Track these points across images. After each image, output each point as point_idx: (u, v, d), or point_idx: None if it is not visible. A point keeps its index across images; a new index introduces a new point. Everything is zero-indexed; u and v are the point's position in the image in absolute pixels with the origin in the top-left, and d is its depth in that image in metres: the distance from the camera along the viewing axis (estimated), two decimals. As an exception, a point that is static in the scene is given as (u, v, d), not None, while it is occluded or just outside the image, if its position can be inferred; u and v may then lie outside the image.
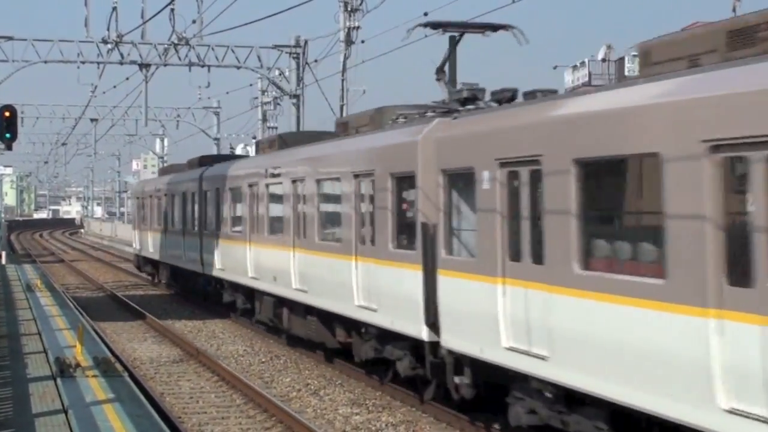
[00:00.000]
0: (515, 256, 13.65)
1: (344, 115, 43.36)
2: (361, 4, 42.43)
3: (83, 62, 40.81)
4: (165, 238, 40.59)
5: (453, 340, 15.44)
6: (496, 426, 16.89)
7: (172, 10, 36.96)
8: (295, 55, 43.90)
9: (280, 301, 25.08)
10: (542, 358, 12.80)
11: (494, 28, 18.80)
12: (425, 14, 33.87)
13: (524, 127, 13.37)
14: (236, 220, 29.32)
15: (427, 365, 16.62)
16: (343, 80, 43.63)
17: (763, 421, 9.23)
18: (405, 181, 17.30)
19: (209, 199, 32.77)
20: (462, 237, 15.62)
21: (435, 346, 16.13)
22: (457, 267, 15.31)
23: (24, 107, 61.58)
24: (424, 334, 16.35)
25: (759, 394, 9.29)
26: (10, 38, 40.17)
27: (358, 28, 42.77)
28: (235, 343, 27.98)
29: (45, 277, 36.26)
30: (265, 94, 56.37)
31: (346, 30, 42.87)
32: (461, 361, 15.56)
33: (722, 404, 9.70)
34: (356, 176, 19.26)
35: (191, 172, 37.06)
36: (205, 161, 36.56)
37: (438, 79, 18.99)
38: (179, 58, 41.14)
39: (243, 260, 27.92)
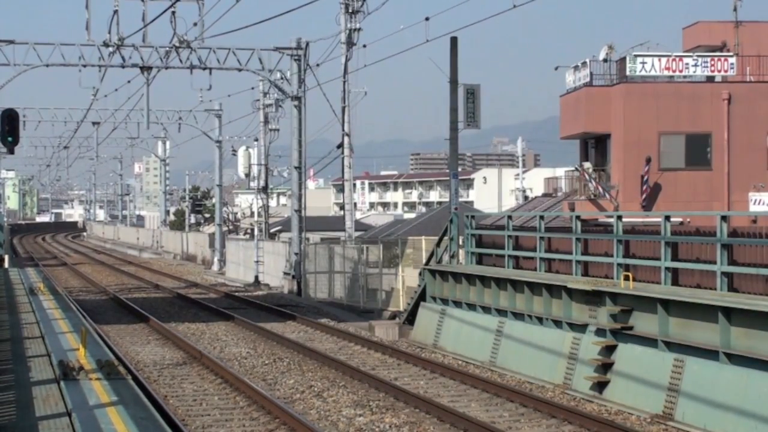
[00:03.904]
0: None
1: (346, 116, 43.40)
2: (362, 6, 42.48)
3: (85, 65, 40.81)
4: None
5: None
6: (499, 426, 16.88)
7: (173, 12, 36.95)
8: (296, 57, 43.90)
9: None
10: None
11: None
12: (426, 19, 33.94)
13: None
14: None
15: None
16: (344, 82, 43.67)
17: None
18: None
19: None
20: None
21: None
22: None
23: (26, 111, 61.47)
24: None
25: None
26: (11, 42, 40.20)
27: (359, 29, 42.81)
28: (239, 346, 27.98)
29: (48, 280, 36.16)
30: (267, 96, 56.35)
31: (347, 32, 42.91)
32: None
33: None
34: None
35: None
36: None
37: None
38: (180, 61, 41.14)
39: None
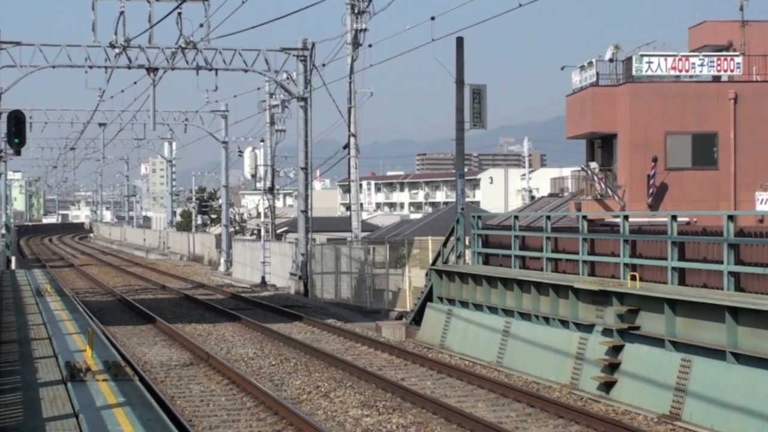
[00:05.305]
0: None
1: (352, 117, 43.42)
2: (368, 7, 42.50)
3: (91, 67, 40.87)
4: None
5: None
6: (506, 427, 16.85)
7: (180, 14, 36.98)
8: (302, 58, 43.91)
9: None
10: None
11: None
12: (432, 18, 33.92)
13: None
14: None
15: None
16: (350, 82, 43.69)
17: None
18: None
19: None
20: None
21: None
22: None
23: (32, 112, 61.57)
24: None
25: None
26: (18, 43, 40.26)
27: (365, 30, 42.83)
28: (245, 346, 27.99)
29: (55, 281, 36.23)
30: (273, 97, 56.38)
31: (353, 32, 42.93)
32: None
33: None
34: None
35: None
36: None
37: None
38: (187, 62, 41.18)
39: None
